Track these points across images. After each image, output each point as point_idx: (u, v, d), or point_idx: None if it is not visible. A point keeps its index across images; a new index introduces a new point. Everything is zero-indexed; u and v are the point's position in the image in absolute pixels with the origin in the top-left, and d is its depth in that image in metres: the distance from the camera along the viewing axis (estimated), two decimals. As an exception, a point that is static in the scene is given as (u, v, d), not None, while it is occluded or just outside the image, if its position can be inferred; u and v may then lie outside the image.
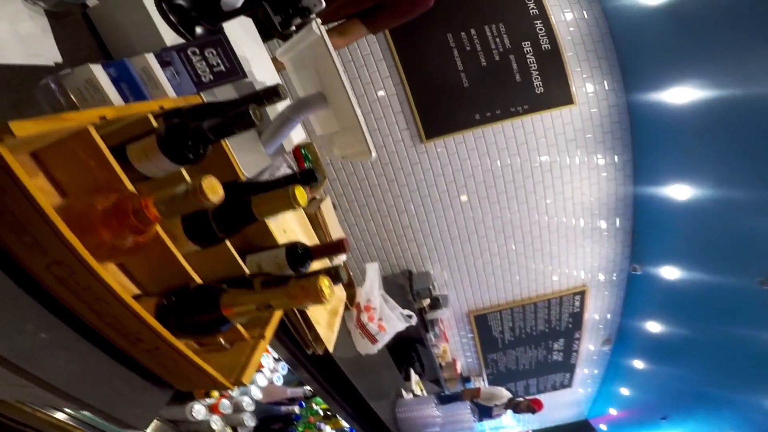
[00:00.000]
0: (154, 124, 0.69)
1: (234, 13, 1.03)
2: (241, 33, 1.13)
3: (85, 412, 0.74)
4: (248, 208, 0.68)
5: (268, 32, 1.03)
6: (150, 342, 0.61)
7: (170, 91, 0.79)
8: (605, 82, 3.79)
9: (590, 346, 5.74)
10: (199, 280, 0.71)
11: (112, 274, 0.57)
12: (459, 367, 5.51)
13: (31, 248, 0.50)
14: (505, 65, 3.67)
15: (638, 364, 5.75)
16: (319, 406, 2.09)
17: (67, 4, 0.81)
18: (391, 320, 2.10)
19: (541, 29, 3.62)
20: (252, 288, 0.76)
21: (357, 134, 1.12)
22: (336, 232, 1.68)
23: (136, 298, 0.66)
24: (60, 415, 0.73)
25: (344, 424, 2.28)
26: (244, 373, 0.73)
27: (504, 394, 4.56)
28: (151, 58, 0.77)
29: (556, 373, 6.13)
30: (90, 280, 0.52)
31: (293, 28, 1.05)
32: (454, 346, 5.48)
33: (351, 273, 1.96)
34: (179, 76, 0.83)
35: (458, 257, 4.62)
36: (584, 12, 3.66)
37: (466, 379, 5.64)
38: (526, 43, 3.63)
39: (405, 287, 4.44)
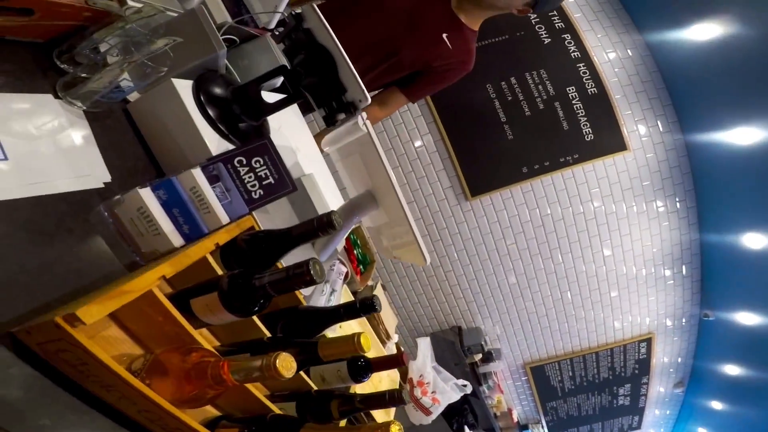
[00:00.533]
0: (213, 264, 0.75)
1: (277, 107, 1.04)
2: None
3: None
4: (315, 352, 0.73)
5: (309, 106, 1.04)
6: None
7: (222, 214, 0.82)
8: (659, 124, 3.63)
9: (660, 389, 5.30)
10: (276, 410, 0.76)
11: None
12: (515, 416, 5.27)
13: (120, 399, 0.56)
14: (551, 113, 3.60)
15: (716, 405, 5.23)
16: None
17: (105, 103, 0.80)
18: (445, 392, 2.07)
19: (584, 72, 3.55)
20: (329, 411, 0.81)
21: (411, 243, 1.14)
22: (387, 316, 1.70)
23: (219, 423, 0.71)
24: None
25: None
26: None
27: None
28: (198, 175, 0.80)
29: (623, 416, 5.68)
30: (176, 422, 0.57)
31: (338, 120, 1.06)
32: (509, 396, 5.23)
33: (402, 349, 1.97)
34: (229, 193, 0.87)
35: (511, 312, 4.46)
36: (628, 51, 3.58)
37: (524, 427, 5.35)
38: (570, 88, 3.55)
39: (455, 344, 4.34)
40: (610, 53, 3.59)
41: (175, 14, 0.98)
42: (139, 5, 0.80)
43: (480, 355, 4.35)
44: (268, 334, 0.83)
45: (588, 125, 3.59)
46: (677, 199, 3.83)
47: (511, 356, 4.81)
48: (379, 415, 1.34)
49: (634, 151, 3.65)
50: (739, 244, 3.53)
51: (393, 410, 1.56)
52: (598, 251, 4.04)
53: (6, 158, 0.61)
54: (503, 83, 3.57)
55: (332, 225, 0.77)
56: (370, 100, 0.93)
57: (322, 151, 1.44)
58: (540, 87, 3.56)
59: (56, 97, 0.75)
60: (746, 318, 3.93)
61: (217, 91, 0.97)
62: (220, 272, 0.75)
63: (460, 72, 1.71)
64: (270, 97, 1.08)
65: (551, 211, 3.88)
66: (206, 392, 0.59)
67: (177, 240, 0.76)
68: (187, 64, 0.93)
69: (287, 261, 0.84)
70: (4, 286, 0.54)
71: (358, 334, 0.76)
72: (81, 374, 0.52)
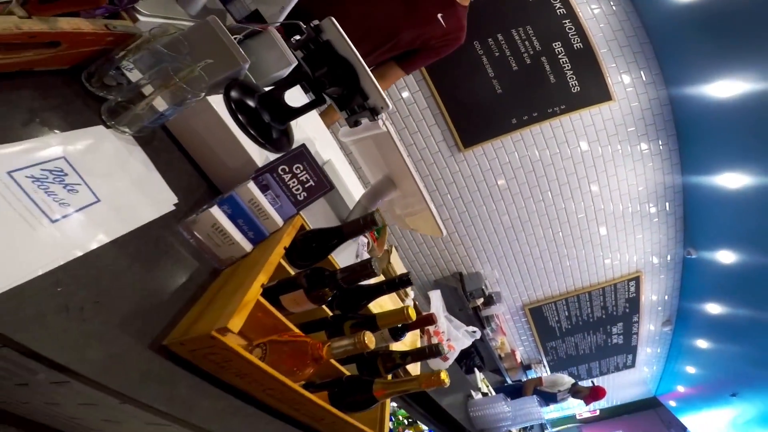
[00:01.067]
0: (285, 265, 0.91)
1: (299, 111, 1.13)
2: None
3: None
4: (375, 323, 0.91)
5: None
6: (328, 419, 0.87)
7: (277, 218, 0.97)
8: (643, 75, 3.78)
9: (650, 326, 5.74)
10: (346, 372, 0.95)
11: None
12: (519, 357, 5.65)
13: (251, 383, 0.73)
14: (538, 68, 3.70)
15: (702, 343, 5.73)
16: (402, 417, 2.34)
17: (144, 127, 0.84)
18: (458, 339, 2.30)
19: (570, 28, 3.63)
20: (377, 368, 1.00)
21: (427, 215, 1.30)
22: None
23: (309, 387, 0.89)
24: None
25: (424, 427, 2.52)
26: (384, 427, 1.00)
27: (566, 380, 4.65)
28: (253, 188, 0.93)
29: (617, 355, 6.16)
30: (293, 395, 0.75)
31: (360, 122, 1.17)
32: (511, 337, 5.61)
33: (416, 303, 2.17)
34: (278, 199, 1.00)
35: (507, 255, 4.73)
36: (612, 6, 3.64)
37: (527, 367, 5.79)
38: (556, 43, 3.65)
39: (458, 290, 4.61)
40: (595, 9, 3.66)
41: (190, 23, 1.03)
42: (158, 21, 0.87)
43: (481, 299, 4.63)
44: (330, 314, 1.00)
45: (574, 78, 3.72)
46: (660, 144, 4.03)
47: (511, 299, 5.13)
48: (410, 368, 1.55)
49: (618, 101, 3.82)
50: (717, 184, 3.76)
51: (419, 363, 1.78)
52: (587, 192, 4.27)
53: (99, 200, 0.71)
54: (490, 40, 3.64)
55: (375, 222, 0.92)
56: (391, 105, 1.04)
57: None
58: (527, 43, 3.65)
59: (106, 126, 0.82)
60: (725, 256, 4.22)
61: (246, 101, 1.07)
62: (291, 271, 0.91)
63: (454, 45, 1.80)
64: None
65: (541, 157, 4.07)
66: (308, 368, 0.77)
67: (247, 246, 0.91)
68: (214, 79, 0.97)
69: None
70: (142, 312, 0.69)
71: (407, 307, 0.94)
72: (221, 368, 0.69)
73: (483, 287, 4.58)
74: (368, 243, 1.64)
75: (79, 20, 0.72)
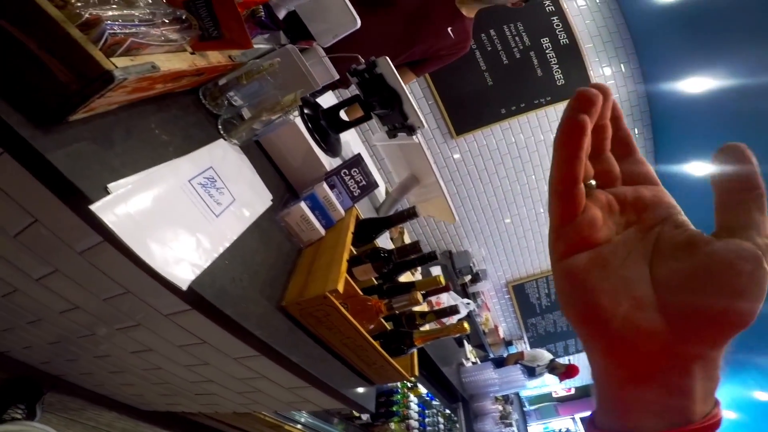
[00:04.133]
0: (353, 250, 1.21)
1: (352, 124, 1.46)
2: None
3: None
4: (410, 288, 1.23)
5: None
6: (379, 362, 1.17)
7: (340, 209, 1.28)
8: (623, 69, 4.11)
9: None
10: (389, 327, 1.27)
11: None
12: (501, 332, 6.08)
13: (335, 334, 1.04)
14: (526, 62, 3.99)
15: None
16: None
17: (248, 139, 1.12)
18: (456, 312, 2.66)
19: (558, 24, 3.91)
20: (417, 324, 1.32)
21: (443, 203, 1.61)
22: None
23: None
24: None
25: (423, 390, 2.89)
26: (415, 369, 1.30)
27: (546, 356, 5.07)
28: (326, 188, 1.24)
29: None
30: (361, 341, 1.06)
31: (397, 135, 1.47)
32: (495, 314, 6.03)
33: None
34: (341, 195, 1.32)
35: (494, 234, 5.11)
36: (597, 2, 3.93)
37: (508, 343, 6.18)
38: (544, 39, 3.93)
39: (448, 267, 4.97)
40: (581, 6, 3.94)
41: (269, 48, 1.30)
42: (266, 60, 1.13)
43: (469, 276, 5.00)
44: (376, 283, 1.31)
45: (560, 71, 4.03)
46: (636, 132, 4.43)
47: (495, 276, 5.53)
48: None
49: (600, 92, 4.11)
50: (687, 172, 4.05)
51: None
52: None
53: (234, 199, 1.00)
54: (483, 35, 3.91)
55: (417, 214, 1.23)
56: (426, 125, 1.33)
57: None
58: (517, 38, 3.92)
59: (224, 138, 1.08)
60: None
61: (313, 115, 1.36)
62: (354, 252, 1.21)
63: (460, 53, 2.04)
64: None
65: (527, 144, 4.41)
66: (373, 320, 1.08)
67: (322, 231, 1.20)
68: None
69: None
70: (269, 280, 0.98)
71: (438, 276, 1.25)
72: (318, 323, 1.00)
73: (471, 264, 4.94)
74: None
75: (217, 53, 0.96)
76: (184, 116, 0.96)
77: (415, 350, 1.30)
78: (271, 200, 1.16)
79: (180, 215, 0.81)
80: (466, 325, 1.21)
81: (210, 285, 0.81)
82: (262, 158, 1.27)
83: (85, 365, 1.51)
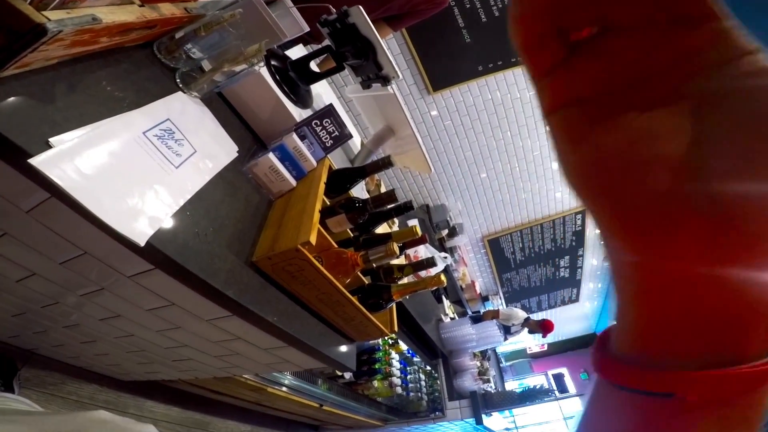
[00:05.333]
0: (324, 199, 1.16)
1: (323, 75, 1.38)
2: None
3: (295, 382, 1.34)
4: (390, 238, 1.19)
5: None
6: (358, 318, 1.15)
7: (312, 160, 1.22)
8: None
9: (593, 261, 6.38)
10: (366, 281, 1.24)
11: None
12: (478, 288, 6.21)
13: (310, 290, 1.00)
14: (505, 20, 3.83)
15: None
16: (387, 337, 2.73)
17: (209, 91, 1.06)
18: (434, 264, 2.67)
19: (540, -21, 3.77)
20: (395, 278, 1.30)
21: (419, 155, 1.57)
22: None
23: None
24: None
25: (403, 347, 2.94)
26: (394, 325, 1.29)
27: (520, 315, 5.24)
28: (296, 138, 1.18)
29: (563, 288, 6.82)
30: (338, 297, 1.03)
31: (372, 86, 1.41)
32: (472, 269, 6.15)
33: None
34: (313, 146, 1.26)
35: (470, 188, 5.14)
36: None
37: (485, 299, 6.33)
38: None
39: (425, 221, 4.98)
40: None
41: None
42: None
43: (446, 231, 5.04)
44: (352, 235, 1.28)
45: (539, 29, 3.89)
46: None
47: (471, 230, 5.59)
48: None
49: (578, 51, 4.06)
50: None
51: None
52: (542, 132, 4.64)
53: (195, 150, 0.94)
54: (461, -10, 3.74)
55: (391, 163, 1.19)
56: (401, 75, 1.27)
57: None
58: (497, -5, 3.77)
59: (183, 91, 1.01)
60: None
61: (281, 67, 1.28)
62: (328, 203, 1.17)
63: (439, 7, 1.98)
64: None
65: (503, 101, 4.37)
66: (349, 274, 1.05)
67: (293, 181, 1.15)
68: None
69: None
70: (237, 234, 0.93)
71: (414, 226, 1.22)
72: (292, 278, 0.96)
73: (448, 218, 4.97)
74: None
75: (170, 5, 0.89)
76: (136, 71, 0.90)
77: (393, 305, 1.28)
78: (237, 152, 1.11)
79: (135, 168, 0.75)
80: (443, 277, 1.20)
81: (171, 240, 0.76)
82: (227, 111, 1.20)
83: (56, 337, 1.46)
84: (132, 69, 0.90)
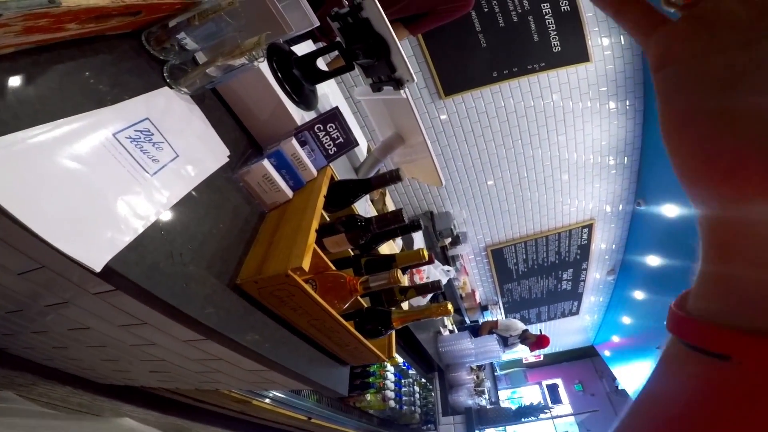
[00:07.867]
0: (324, 214, 1.04)
1: (330, 75, 1.25)
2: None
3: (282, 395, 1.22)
4: (390, 261, 1.08)
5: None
6: (353, 344, 1.04)
7: (312, 169, 1.10)
8: (622, 40, 3.90)
9: (596, 275, 6.25)
10: (365, 304, 1.12)
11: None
12: (478, 297, 6.07)
13: (301, 315, 0.89)
14: (524, 26, 3.74)
15: (639, 294, 6.23)
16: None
17: (201, 87, 0.94)
18: (436, 276, 2.55)
19: (560, -10, 3.65)
20: (396, 300, 1.19)
21: (429, 166, 1.45)
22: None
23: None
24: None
25: (399, 360, 2.82)
26: (392, 350, 1.18)
27: (519, 326, 5.12)
28: (295, 144, 1.06)
29: (565, 301, 6.70)
30: (332, 323, 0.92)
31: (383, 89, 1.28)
32: (473, 278, 6.01)
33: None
34: (314, 153, 1.14)
35: (476, 197, 5.01)
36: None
37: (484, 308, 6.19)
38: (545, 4, 3.67)
39: (429, 228, 4.86)
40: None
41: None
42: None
43: (449, 239, 4.91)
44: (352, 254, 1.16)
45: (557, 38, 3.80)
46: (628, 104, 4.27)
47: (475, 239, 5.47)
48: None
49: (595, 62, 3.96)
50: None
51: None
52: (555, 143, 4.52)
53: (177, 155, 0.82)
54: (481, -4, 3.62)
55: (400, 177, 1.07)
56: (416, 79, 1.15)
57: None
58: (516, 1, 3.65)
59: (169, 87, 0.89)
60: (670, 210, 4.60)
61: (284, 64, 1.15)
62: (327, 218, 1.05)
63: (461, 11, 1.84)
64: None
65: (516, 109, 4.23)
66: (346, 300, 0.93)
67: (289, 192, 1.04)
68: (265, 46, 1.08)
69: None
70: (219, 253, 0.82)
71: (421, 249, 1.11)
72: (281, 303, 0.84)
73: (452, 227, 4.84)
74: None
75: None
76: (116, 62, 0.79)
77: (393, 332, 1.17)
78: (228, 156, 0.98)
79: (97, 176, 0.63)
80: (449, 306, 1.08)
81: (137, 262, 0.64)
82: (221, 110, 1.08)
83: (25, 340, 1.35)
84: (112, 61, 0.78)
